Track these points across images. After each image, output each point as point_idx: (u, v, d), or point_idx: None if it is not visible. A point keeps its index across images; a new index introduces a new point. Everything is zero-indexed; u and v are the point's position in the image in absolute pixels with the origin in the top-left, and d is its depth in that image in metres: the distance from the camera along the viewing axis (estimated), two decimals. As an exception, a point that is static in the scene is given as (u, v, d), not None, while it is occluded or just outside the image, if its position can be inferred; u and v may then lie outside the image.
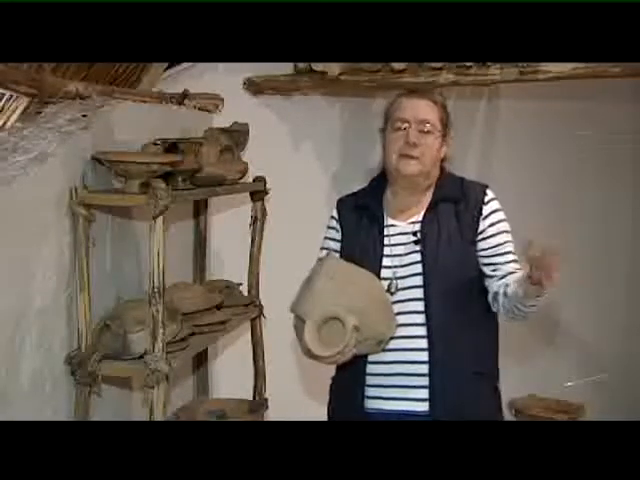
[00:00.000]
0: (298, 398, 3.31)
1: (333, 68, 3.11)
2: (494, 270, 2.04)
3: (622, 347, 4.03)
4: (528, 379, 3.65)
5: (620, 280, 4.07)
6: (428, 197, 2.12)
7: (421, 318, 2.01)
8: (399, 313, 2.01)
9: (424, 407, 2.00)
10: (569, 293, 3.85)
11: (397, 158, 2.07)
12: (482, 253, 2.06)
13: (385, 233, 2.11)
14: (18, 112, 2.20)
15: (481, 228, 2.07)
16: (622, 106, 3.87)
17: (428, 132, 2.06)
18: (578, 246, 3.93)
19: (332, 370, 2.16)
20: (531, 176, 3.84)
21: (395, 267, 2.06)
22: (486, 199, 2.09)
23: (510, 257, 2.06)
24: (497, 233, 2.07)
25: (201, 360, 3.00)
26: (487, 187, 2.13)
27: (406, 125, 2.06)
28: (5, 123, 2.19)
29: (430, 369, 2.00)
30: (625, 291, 4.09)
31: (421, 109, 2.07)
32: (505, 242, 2.07)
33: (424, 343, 2.01)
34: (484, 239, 2.06)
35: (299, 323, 1.98)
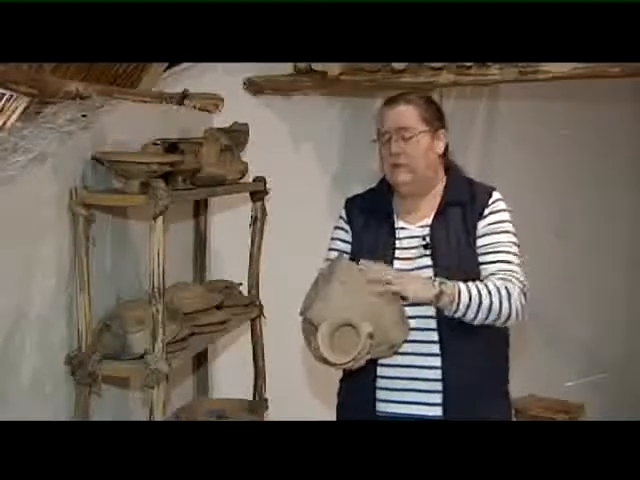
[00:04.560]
0: (298, 398, 3.30)
1: (333, 68, 3.11)
2: (483, 271, 2.02)
3: (622, 347, 4.04)
4: (528, 379, 3.65)
5: (620, 280, 4.07)
6: (437, 199, 2.11)
7: (433, 323, 2.01)
8: (411, 317, 2.00)
9: (436, 411, 2.00)
10: (569, 293, 3.87)
11: (389, 169, 2.08)
12: (477, 251, 2.05)
13: (396, 236, 2.10)
14: (18, 112, 2.20)
15: (479, 227, 2.06)
16: (622, 106, 3.87)
17: (410, 138, 2.05)
18: (578, 246, 3.93)
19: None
20: (531, 176, 3.84)
21: (406, 271, 2.05)
22: (490, 201, 2.08)
23: (500, 257, 2.01)
24: (492, 232, 2.04)
25: (201, 360, 3.00)
26: (494, 189, 2.11)
27: (388, 136, 2.06)
28: (5, 123, 2.18)
29: (443, 374, 1.99)
30: (625, 291, 4.09)
31: (398, 117, 2.06)
32: (499, 242, 2.03)
33: (436, 348, 2.00)
34: (479, 237, 2.05)
35: (309, 327, 1.96)
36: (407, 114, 2.07)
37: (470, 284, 1.94)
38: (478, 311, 1.94)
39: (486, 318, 1.95)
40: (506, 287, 1.95)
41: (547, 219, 3.83)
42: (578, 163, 3.90)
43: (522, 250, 2.06)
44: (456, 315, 1.94)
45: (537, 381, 3.74)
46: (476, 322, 1.96)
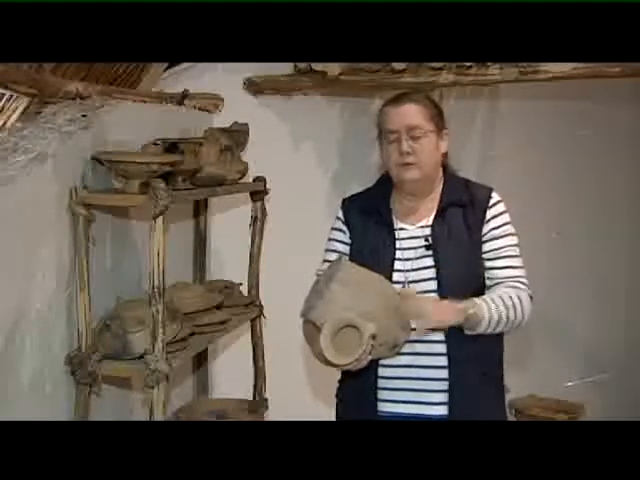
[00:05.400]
0: (298, 398, 3.30)
1: (333, 68, 3.11)
2: (489, 277, 2.07)
3: (622, 347, 4.03)
4: (528, 379, 3.65)
5: (620, 280, 4.07)
6: (435, 200, 2.11)
7: None
8: None
9: (438, 411, 2.01)
10: (569, 293, 3.86)
11: (396, 168, 2.07)
12: (483, 256, 2.07)
13: (396, 237, 2.10)
14: (18, 112, 2.20)
15: (484, 231, 2.07)
16: (622, 106, 3.87)
17: (420, 137, 2.05)
18: (577, 246, 3.93)
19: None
20: (531, 176, 3.84)
21: (407, 271, 2.06)
22: (491, 202, 2.09)
23: (507, 262, 2.06)
24: (498, 237, 2.07)
25: (201, 360, 3.00)
26: (492, 190, 2.12)
27: (397, 135, 2.05)
28: (5, 123, 2.18)
29: (447, 373, 2.01)
30: (625, 290, 4.09)
31: (408, 116, 2.06)
32: (505, 246, 2.07)
33: (440, 347, 2.01)
34: (485, 242, 2.07)
35: (310, 329, 1.96)
36: (415, 113, 2.07)
37: (488, 300, 1.98)
38: (497, 326, 1.99)
39: (502, 329, 2.02)
40: (518, 296, 2.01)
41: (547, 219, 3.83)
42: (578, 163, 3.90)
43: (522, 250, 2.08)
44: (476, 332, 1.99)
45: (537, 381, 3.74)
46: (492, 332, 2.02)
